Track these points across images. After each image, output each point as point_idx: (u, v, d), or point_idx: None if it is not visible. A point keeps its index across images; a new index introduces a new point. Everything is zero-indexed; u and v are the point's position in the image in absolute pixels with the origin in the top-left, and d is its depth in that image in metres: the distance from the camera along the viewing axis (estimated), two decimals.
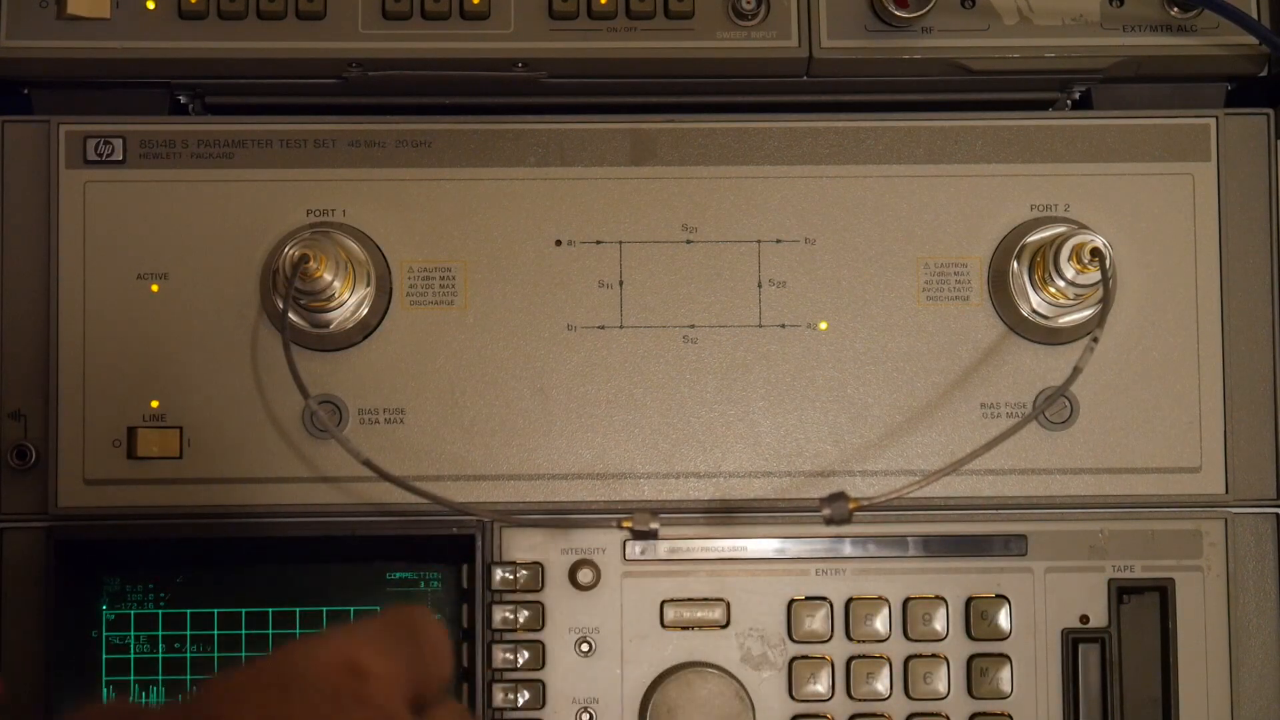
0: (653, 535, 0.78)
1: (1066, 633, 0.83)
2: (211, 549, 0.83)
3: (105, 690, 0.82)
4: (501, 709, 0.82)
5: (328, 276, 0.79)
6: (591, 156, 0.85)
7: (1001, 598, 0.83)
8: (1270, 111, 0.86)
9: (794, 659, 0.83)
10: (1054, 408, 0.83)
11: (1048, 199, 0.85)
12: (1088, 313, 0.82)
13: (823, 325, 0.84)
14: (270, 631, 0.83)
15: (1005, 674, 0.83)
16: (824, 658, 0.83)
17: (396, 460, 0.82)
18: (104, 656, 0.83)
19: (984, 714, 0.83)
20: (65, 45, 0.83)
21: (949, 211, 0.85)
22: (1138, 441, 0.84)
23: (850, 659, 0.83)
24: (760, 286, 0.84)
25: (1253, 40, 0.84)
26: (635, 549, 0.83)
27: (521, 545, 0.83)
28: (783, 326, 0.84)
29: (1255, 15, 0.85)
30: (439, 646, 0.58)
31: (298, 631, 0.83)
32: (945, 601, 0.83)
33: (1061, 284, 0.81)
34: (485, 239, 0.84)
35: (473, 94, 0.87)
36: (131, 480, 0.82)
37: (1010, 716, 0.83)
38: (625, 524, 0.77)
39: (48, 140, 0.84)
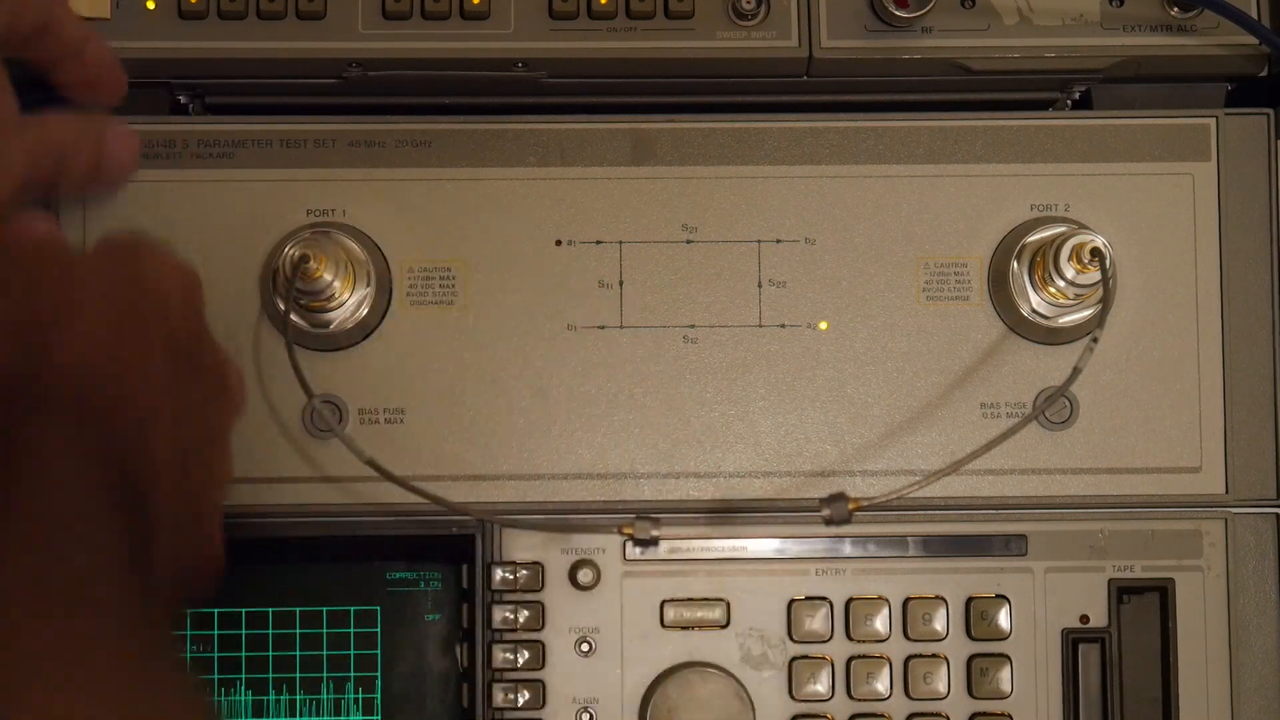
0: (653, 543, 0.78)
1: (1066, 633, 0.83)
2: None
3: None
4: (502, 709, 0.82)
5: (328, 276, 0.79)
6: (591, 156, 0.85)
7: (1001, 598, 0.83)
8: (1270, 111, 0.86)
9: (794, 659, 0.83)
10: (1054, 408, 0.83)
11: (1048, 199, 0.85)
12: (1088, 313, 0.82)
13: (823, 325, 0.84)
14: (270, 631, 0.83)
15: (1005, 674, 0.83)
16: (824, 658, 0.83)
17: (396, 460, 0.82)
18: None
19: (984, 714, 0.83)
20: None
21: (949, 211, 0.85)
22: (1138, 441, 0.84)
23: (850, 659, 0.83)
24: (760, 286, 0.84)
25: (1253, 40, 0.85)
26: (635, 549, 0.83)
27: (521, 545, 0.83)
28: (783, 326, 0.84)
29: (1255, 15, 0.85)
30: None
31: (297, 632, 0.83)
32: (945, 601, 0.83)
33: (1061, 284, 0.81)
34: (485, 239, 0.84)
35: (473, 94, 0.87)
36: None
37: (1010, 716, 0.83)
38: (626, 530, 0.77)
39: None
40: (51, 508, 0.53)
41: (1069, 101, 0.90)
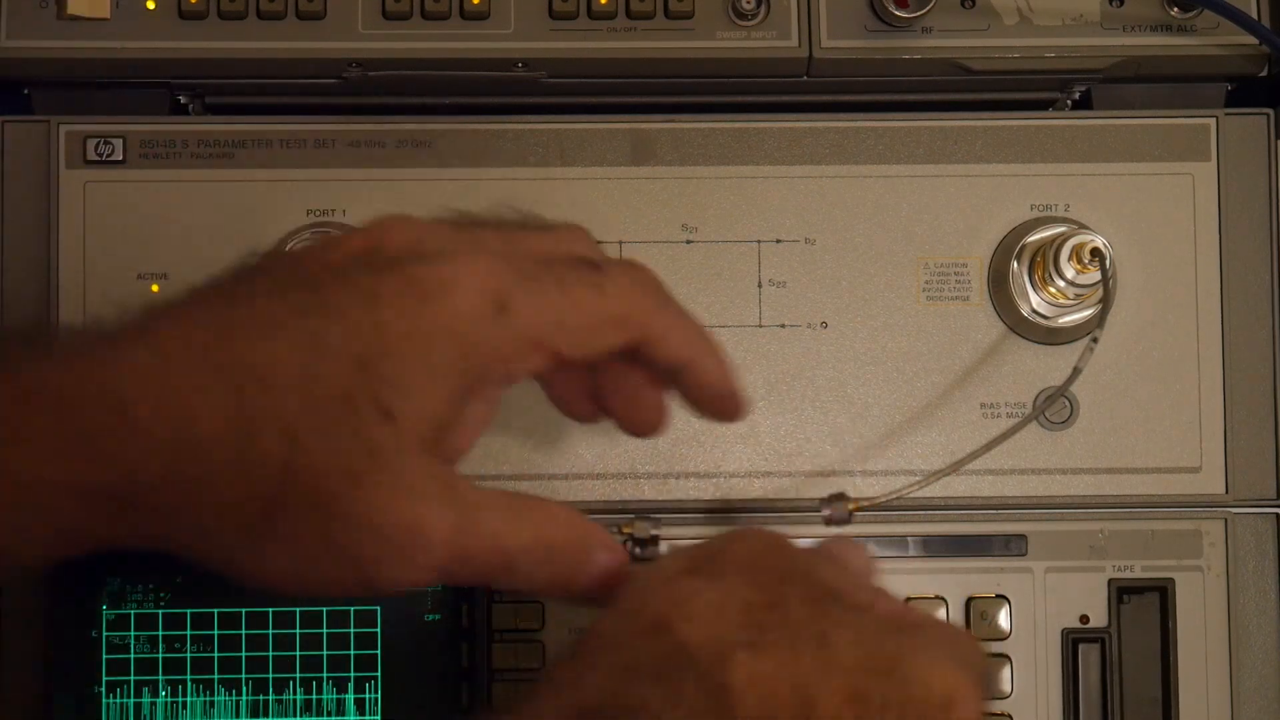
0: (653, 543, 0.78)
1: (1066, 633, 0.83)
2: None
3: (104, 690, 0.82)
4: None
5: None
6: (591, 156, 0.85)
7: (1001, 598, 0.83)
8: (1270, 111, 0.86)
9: None
10: (1054, 408, 0.83)
11: (1048, 199, 0.85)
12: (1088, 313, 0.82)
13: (823, 325, 0.84)
14: (270, 631, 0.83)
15: (1005, 674, 0.83)
16: None
17: None
18: (104, 656, 0.83)
19: (984, 714, 0.83)
20: (65, 45, 0.83)
21: (949, 211, 0.85)
22: (1138, 441, 0.84)
23: None
24: (760, 286, 0.84)
25: (1253, 40, 0.84)
26: (635, 548, 0.83)
27: None
28: (783, 326, 0.84)
29: (1255, 15, 0.85)
30: None
31: (298, 632, 0.83)
32: (945, 601, 0.83)
33: (1061, 284, 0.81)
34: None
35: (473, 94, 0.87)
36: None
37: (1010, 716, 0.83)
38: (626, 530, 0.77)
39: (48, 140, 0.84)
40: None
41: (1069, 101, 0.90)
